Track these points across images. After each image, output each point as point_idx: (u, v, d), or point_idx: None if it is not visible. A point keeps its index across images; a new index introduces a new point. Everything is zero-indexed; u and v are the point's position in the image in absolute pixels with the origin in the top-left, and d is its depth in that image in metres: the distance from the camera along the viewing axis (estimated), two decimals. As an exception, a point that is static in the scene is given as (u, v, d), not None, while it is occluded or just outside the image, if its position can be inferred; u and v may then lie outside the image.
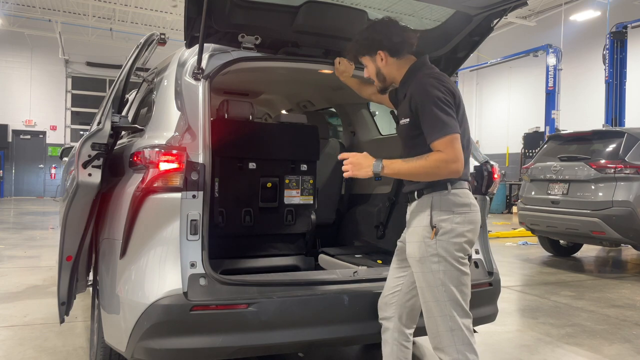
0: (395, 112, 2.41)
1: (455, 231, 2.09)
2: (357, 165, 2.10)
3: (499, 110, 19.48)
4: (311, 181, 3.53)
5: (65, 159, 5.15)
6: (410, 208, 2.24)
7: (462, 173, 2.08)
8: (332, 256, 3.41)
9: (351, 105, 4.24)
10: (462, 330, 2.09)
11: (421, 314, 2.34)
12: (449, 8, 2.67)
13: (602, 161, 6.40)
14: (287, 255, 3.59)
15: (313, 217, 3.56)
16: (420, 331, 2.43)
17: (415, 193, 2.18)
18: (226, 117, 3.24)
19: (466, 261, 2.13)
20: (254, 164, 3.31)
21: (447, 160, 2.00)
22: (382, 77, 2.30)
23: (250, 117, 3.36)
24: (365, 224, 3.85)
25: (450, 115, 2.05)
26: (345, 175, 2.13)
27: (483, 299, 2.75)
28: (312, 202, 3.53)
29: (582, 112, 15.11)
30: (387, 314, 2.36)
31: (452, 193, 2.13)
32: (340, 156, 2.16)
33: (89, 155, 2.33)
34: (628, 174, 6.13)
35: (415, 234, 2.16)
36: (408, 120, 2.17)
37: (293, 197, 3.43)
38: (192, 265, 2.21)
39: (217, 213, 3.19)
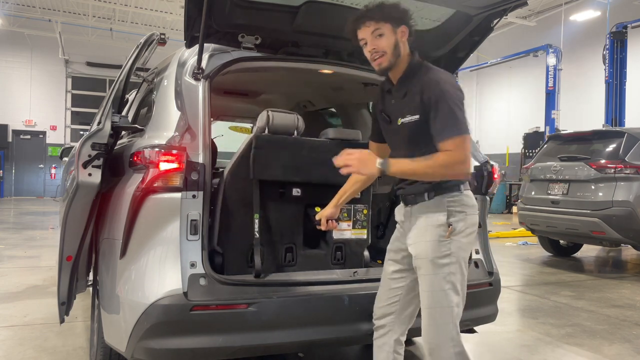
0: (388, 118, 2.22)
1: (466, 231, 2.09)
2: (363, 161, 1.96)
3: (499, 110, 19.48)
4: (365, 211, 2.89)
5: (65, 159, 5.14)
6: (413, 209, 2.15)
7: (470, 176, 2.05)
8: None
9: (351, 105, 4.23)
10: (460, 342, 2.09)
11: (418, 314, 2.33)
12: (449, 8, 2.67)
13: (602, 161, 6.40)
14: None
15: (366, 253, 2.94)
16: (418, 331, 2.43)
17: (426, 194, 2.08)
18: (267, 132, 2.66)
19: (467, 263, 2.14)
20: (299, 189, 2.75)
21: (455, 162, 1.92)
22: (398, 52, 2.07)
23: (295, 132, 2.75)
24: (366, 224, 3.83)
25: (465, 115, 1.99)
26: (345, 170, 1.97)
27: (483, 299, 2.75)
28: (365, 236, 2.89)
29: (582, 112, 15.11)
30: (384, 323, 2.30)
31: (464, 194, 2.11)
32: (346, 151, 1.99)
33: (89, 155, 2.33)
34: (628, 174, 6.13)
35: (427, 233, 2.07)
36: (418, 117, 2.03)
37: (344, 230, 2.83)
38: (192, 265, 2.21)
39: (258, 252, 2.55)
